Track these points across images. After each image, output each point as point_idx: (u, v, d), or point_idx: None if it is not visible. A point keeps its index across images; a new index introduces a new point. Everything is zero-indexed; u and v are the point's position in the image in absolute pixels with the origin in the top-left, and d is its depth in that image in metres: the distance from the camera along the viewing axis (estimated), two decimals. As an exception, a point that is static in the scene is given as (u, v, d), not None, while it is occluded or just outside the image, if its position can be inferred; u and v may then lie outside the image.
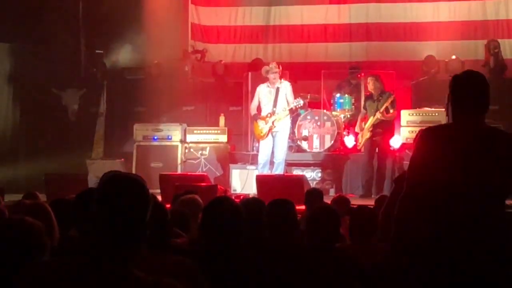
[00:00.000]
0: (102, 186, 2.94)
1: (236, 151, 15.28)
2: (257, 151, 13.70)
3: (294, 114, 14.30)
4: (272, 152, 13.20)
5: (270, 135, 13.07)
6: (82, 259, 2.84)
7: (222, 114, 15.40)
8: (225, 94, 16.04)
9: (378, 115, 13.22)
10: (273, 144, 13.12)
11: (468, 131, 4.49)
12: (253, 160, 13.93)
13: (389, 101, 13.23)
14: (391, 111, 13.28)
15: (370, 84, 13.63)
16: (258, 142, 13.55)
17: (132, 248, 2.87)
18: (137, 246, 2.90)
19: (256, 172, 13.14)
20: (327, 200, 9.18)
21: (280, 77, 13.17)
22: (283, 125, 13.11)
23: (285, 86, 13.12)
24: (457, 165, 4.38)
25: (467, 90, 4.52)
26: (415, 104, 14.82)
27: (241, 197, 10.45)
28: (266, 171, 13.07)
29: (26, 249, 4.16)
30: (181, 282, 2.96)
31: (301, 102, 13.30)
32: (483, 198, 4.41)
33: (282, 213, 5.66)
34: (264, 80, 13.26)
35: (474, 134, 4.47)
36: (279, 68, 13.08)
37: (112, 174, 3.01)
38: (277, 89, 13.05)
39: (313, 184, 13.45)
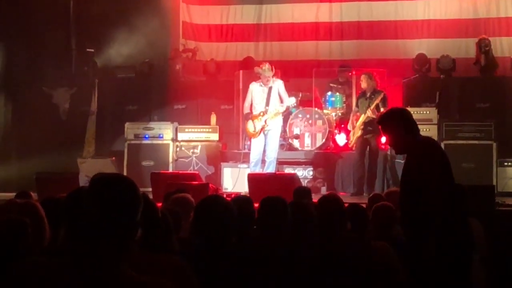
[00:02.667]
0: (92, 186, 2.93)
1: (228, 150, 15.27)
2: (249, 149, 13.70)
3: (286, 112, 14.31)
4: (264, 151, 13.21)
5: (262, 133, 13.08)
6: (72, 259, 2.83)
7: (213, 113, 15.38)
8: (217, 92, 16.02)
9: (368, 112, 13.22)
10: (265, 143, 13.14)
11: None
12: (245, 159, 13.93)
13: (379, 98, 13.23)
14: (382, 109, 13.29)
15: (364, 82, 13.63)
16: (250, 140, 13.56)
17: (123, 247, 2.86)
18: (128, 246, 2.89)
19: (248, 171, 13.14)
20: (318, 198, 9.16)
21: (273, 77, 13.18)
22: (275, 123, 13.11)
23: (278, 85, 13.12)
24: None
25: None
26: (406, 102, 14.81)
27: (233, 195, 10.42)
28: (258, 170, 13.07)
29: (11, 248, 4.16)
30: (171, 280, 2.96)
31: (294, 100, 13.33)
32: None
33: (275, 211, 5.66)
34: (256, 78, 13.25)
35: None
36: (272, 70, 13.07)
37: (102, 174, 3.01)
38: (270, 88, 13.06)
39: (304, 183, 13.44)
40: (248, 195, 11.65)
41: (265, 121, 12.97)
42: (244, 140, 14.64)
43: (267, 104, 13.02)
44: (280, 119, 13.31)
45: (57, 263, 2.83)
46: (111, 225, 2.83)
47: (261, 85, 13.13)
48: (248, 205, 5.86)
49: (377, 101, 13.22)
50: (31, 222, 4.54)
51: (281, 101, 13.03)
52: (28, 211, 4.82)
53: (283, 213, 5.62)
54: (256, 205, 5.70)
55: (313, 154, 14.41)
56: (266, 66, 13.12)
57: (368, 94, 13.45)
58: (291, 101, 13.12)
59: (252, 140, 13.31)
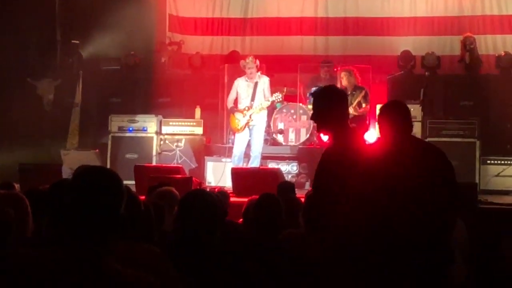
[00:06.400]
0: (75, 178, 2.93)
1: (212, 144, 15.26)
2: (233, 143, 13.70)
3: (270, 107, 14.33)
4: (248, 146, 13.22)
5: (246, 128, 13.09)
6: (55, 250, 2.82)
7: (198, 106, 15.36)
8: (202, 86, 15.98)
9: (350, 110, 13.24)
10: (250, 138, 13.16)
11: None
12: (229, 153, 13.90)
13: (361, 95, 13.26)
14: (364, 105, 13.30)
15: (344, 79, 13.67)
16: (234, 135, 13.56)
17: (106, 239, 2.86)
18: (111, 238, 2.89)
19: (231, 165, 13.15)
20: (301, 193, 9.18)
21: (258, 70, 13.19)
22: (260, 118, 13.13)
23: (264, 81, 13.16)
24: None
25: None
26: (390, 98, 14.77)
27: (216, 189, 10.43)
28: (240, 164, 13.08)
29: None
30: (150, 272, 2.96)
31: (280, 96, 13.33)
32: None
33: (272, 208, 5.73)
34: (242, 73, 13.27)
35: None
36: (255, 62, 13.09)
37: (85, 167, 3.01)
38: (256, 84, 13.08)
39: (288, 178, 13.45)
40: (231, 189, 11.70)
41: (250, 116, 12.98)
42: (228, 134, 14.63)
43: (253, 99, 13.04)
44: (264, 114, 13.32)
45: (41, 255, 2.82)
46: (94, 217, 2.83)
47: (246, 80, 13.16)
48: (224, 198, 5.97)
49: (359, 99, 13.26)
50: (15, 213, 4.54)
51: (265, 98, 13.07)
52: (13, 202, 4.82)
53: (279, 210, 5.69)
54: (239, 199, 5.74)
55: (297, 149, 14.41)
56: (250, 58, 13.19)
57: (349, 91, 13.46)
58: (275, 96, 13.13)
59: (236, 134, 13.32)
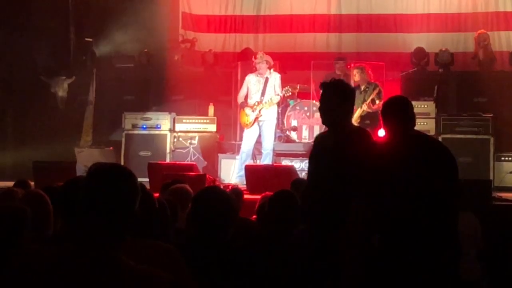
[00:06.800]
0: (90, 175, 2.94)
1: (225, 141, 15.26)
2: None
3: (283, 104, 14.32)
4: (259, 142, 13.22)
5: (256, 124, 13.09)
6: (70, 247, 2.83)
7: (211, 104, 15.36)
8: (215, 83, 16.00)
9: (364, 106, 13.24)
10: (260, 134, 13.15)
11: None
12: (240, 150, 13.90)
13: (375, 92, 13.25)
14: (377, 102, 13.28)
15: (356, 76, 13.65)
16: (243, 130, 13.54)
17: (121, 236, 2.87)
18: (126, 235, 2.90)
19: (239, 162, 13.17)
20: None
21: (270, 68, 13.19)
22: (269, 114, 13.12)
23: (275, 78, 13.16)
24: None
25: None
26: (404, 95, 14.70)
27: (230, 186, 10.44)
28: (248, 161, 13.08)
29: (12, 236, 4.17)
30: (164, 270, 2.97)
31: (290, 90, 13.32)
32: None
33: (288, 205, 5.74)
34: (255, 70, 13.28)
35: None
36: (264, 56, 13.12)
37: (100, 164, 3.02)
38: (266, 79, 13.09)
39: (301, 175, 13.42)
40: (246, 186, 11.71)
41: (259, 111, 12.99)
42: (241, 131, 14.64)
43: (263, 94, 13.04)
44: (275, 110, 13.31)
45: (55, 252, 2.83)
46: (109, 215, 2.84)
47: (257, 76, 13.17)
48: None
49: (372, 96, 13.24)
50: (37, 211, 4.57)
51: (276, 93, 13.07)
52: (35, 200, 4.85)
53: (295, 205, 5.70)
54: (253, 196, 5.75)
55: (311, 146, 14.37)
56: (259, 54, 13.25)
57: (362, 88, 13.46)
58: (285, 90, 13.12)
59: (245, 130, 13.32)
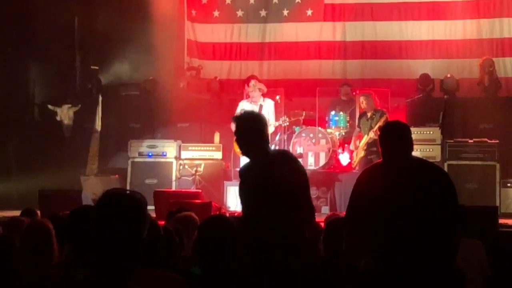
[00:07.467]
0: (101, 203, 2.94)
1: (231, 168, 15.24)
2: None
3: (289, 131, 14.32)
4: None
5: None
6: (81, 274, 2.84)
7: (217, 131, 15.37)
8: (220, 111, 15.99)
9: (371, 134, 13.24)
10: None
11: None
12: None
13: (382, 120, 13.24)
14: (385, 130, 13.25)
15: (364, 103, 13.67)
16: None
17: (129, 264, 2.87)
18: (134, 263, 2.90)
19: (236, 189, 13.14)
20: (320, 218, 9.15)
21: (264, 95, 13.20)
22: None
23: (269, 105, 13.17)
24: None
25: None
26: (409, 122, 14.72)
27: (236, 214, 10.44)
28: None
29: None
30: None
31: (287, 120, 13.31)
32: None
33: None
34: (246, 96, 13.30)
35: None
36: (257, 84, 13.15)
37: (111, 191, 3.02)
38: (260, 107, 13.12)
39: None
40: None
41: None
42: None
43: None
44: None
45: (66, 279, 2.84)
46: (119, 242, 2.85)
47: (250, 103, 13.17)
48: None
49: (380, 123, 13.22)
50: (41, 241, 4.63)
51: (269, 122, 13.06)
52: (37, 230, 4.89)
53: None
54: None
55: (316, 174, 14.37)
56: (252, 82, 13.26)
57: (369, 115, 13.48)
58: (283, 119, 13.11)
59: (241, 158, 13.31)
